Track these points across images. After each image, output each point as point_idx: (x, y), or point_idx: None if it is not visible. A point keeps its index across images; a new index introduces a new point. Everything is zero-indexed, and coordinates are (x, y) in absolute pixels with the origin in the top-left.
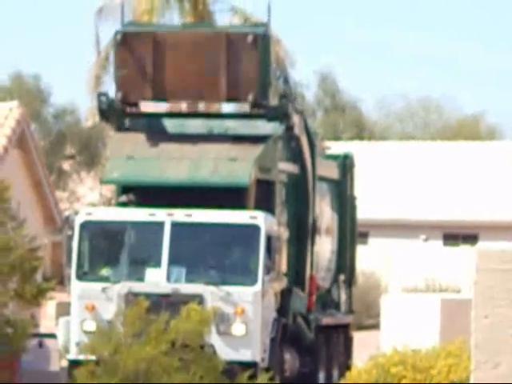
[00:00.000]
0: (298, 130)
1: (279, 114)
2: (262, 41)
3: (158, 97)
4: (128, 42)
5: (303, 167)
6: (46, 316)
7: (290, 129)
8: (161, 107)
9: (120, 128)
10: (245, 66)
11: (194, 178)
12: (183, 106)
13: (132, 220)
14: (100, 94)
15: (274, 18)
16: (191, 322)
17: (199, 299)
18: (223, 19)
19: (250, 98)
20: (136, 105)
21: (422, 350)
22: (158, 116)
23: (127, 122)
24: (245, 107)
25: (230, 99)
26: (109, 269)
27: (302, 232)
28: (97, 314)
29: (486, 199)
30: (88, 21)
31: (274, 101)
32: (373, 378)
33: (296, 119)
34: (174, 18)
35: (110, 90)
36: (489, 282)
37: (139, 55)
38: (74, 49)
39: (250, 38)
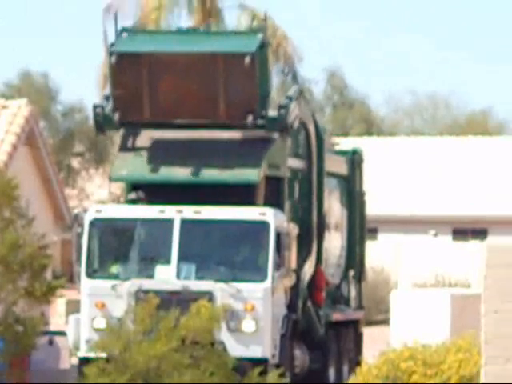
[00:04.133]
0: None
1: (278, 126)
2: (259, 56)
3: (156, 117)
4: (123, 63)
5: (310, 163)
6: (56, 314)
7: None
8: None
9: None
10: (243, 87)
11: (203, 175)
12: None
13: (141, 217)
14: (95, 106)
15: (282, 14)
16: (201, 319)
17: (209, 296)
18: (231, 16)
19: (250, 119)
20: (134, 125)
21: (432, 346)
22: (158, 127)
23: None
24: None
25: (228, 119)
26: (118, 266)
27: (309, 228)
28: (107, 311)
29: (495, 194)
30: (96, 18)
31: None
32: (383, 374)
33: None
34: (182, 14)
35: None
36: (498, 277)
37: (135, 76)
38: (83, 47)
39: (247, 60)
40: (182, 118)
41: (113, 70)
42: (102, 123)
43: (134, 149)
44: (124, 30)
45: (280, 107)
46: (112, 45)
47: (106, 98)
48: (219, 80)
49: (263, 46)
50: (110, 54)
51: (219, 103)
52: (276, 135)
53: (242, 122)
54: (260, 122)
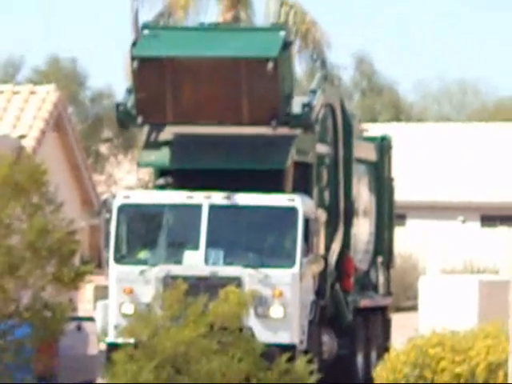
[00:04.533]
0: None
1: (302, 124)
2: (282, 59)
3: (179, 119)
4: (145, 67)
5: (336, 148)
6: (84, 299)
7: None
8: None
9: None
10: (266, 91)
11: (231, 162)
12: None
13: (170, 203)
14: (118, 105)
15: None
16: (229, 305)
17: (237, 282)
18: (260, 2)
19: (274, 123)
20: (158, 126)
21: (461, 332)
22: (183, 123)
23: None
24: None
25: (252, 122)
26: (147, 252)
27: (336, 213)
28: (135, 296)
29: None
30: (125, 2)
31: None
32: (411, 360)
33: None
34: (210, 3)
35: None
36: None
37: (157, 80)
38: (112, 32)
39: (270, 65)
40: (205, 121)
41: (135, 74)
42: (126, 121)
43: (159, 143)
44: (145, 26)
45: (304, 105)
46: (133, 45)
47: (129, 91)
48: (242, 84)
49: (286, 45)
50: (132, 58)
51: (242, 106)
52: (299, 131)
53: (265, 125)
54: (284, 118)
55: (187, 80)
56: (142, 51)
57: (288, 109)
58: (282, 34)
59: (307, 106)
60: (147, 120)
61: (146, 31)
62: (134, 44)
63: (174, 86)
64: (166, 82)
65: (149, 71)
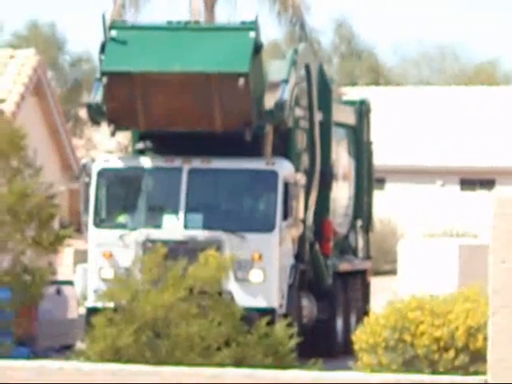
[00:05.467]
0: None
1: (275, 121)
2: (253, 71)
3: (151, 127)
4: (115, 82)
5: (311, 111)
6: (64, 263)
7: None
8: None
9: None
10: (238, 103)
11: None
12: None
13: (149, 167)
14: (89, 105)
15: None
16: (209, 269)
17: (217, 245)
18: None
19: (248, 131)
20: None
21: (440, 296)
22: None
23: None
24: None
25: (225, 130)
26: (126, 216)
27: (314, 178)
28: (114, 261)
29: (503, 145)
30: None
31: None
32: (390, 324)
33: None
34: None
35: None
36: (506, 228)
37: (128, 92)
38: None
39: (241, 81)
40: (178, 129)
41: (104, 88)
42: (97, 118)
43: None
44: (113, 27)
45: (276, 104)
46: (102, 49)
47: (96, 89)
48: (213, 96)
49: (257, 49)
50: (101, 73)
51: (215, 116)
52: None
53: (238, 132)
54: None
55: (158, 92)
56: (111, 65)
57: (261, 109)
58: (252, 35)
59: (279, 103)
60: (119, 128)
61: (113, 32)
62: (103, 49)
63: (144, 98)
64: (136, 95)
65: (119, 85)
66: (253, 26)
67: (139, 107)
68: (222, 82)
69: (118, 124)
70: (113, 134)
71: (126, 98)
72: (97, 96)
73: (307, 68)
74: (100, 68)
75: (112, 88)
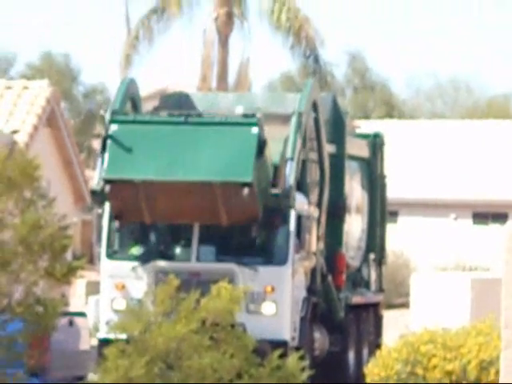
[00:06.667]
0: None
1: (280, 204)
2: (257, 177)
3: (156, 221)
4: (118, 188)
5: (319, 146)
6: (76, 295)
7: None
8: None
9: None
10: (243, 206)
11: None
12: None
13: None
14: (93, 191)
15: None
16: (222, 301)
17: (229, 278)
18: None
19: (255, 227)
20: None
21: (452, 329)
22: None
23: None
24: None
25: (231, 224)
26: (139, 247)
27: (323, 210)
28: (127, 292)
29: None
30: None
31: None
32: (403, 357)
33: None
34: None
35: (139, 71)
36: None
37: (132, 197)
38: (104, 28)
39: (245, 191)
40: (184, 221)
41: (108, 194)
42: (102, 202)
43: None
44: (113, 121)
45: (283, 190)
46: (105, 138)
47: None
48: (218, 201)
49: (261, 146)
50: (104, 181)
51: (220, 215)
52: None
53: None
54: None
55: (161, 197)
56: (113, 173)
57: (267, 195)
58: (255, 131)
59: (285, 191)
60: (124, 223)
61: (114, 127)
62: (104, 145)
63: (148, 200)
64: (140, 198)
65: (122, 190)
66: (255, 121)
67: (144, 207)
68: (226, 190)
69: (123, 219)
70: (120, 227)
71: (129, 201)
72: (100, 181)
73: (314, 104)
74: (102, 176)
75: (115, 193)
